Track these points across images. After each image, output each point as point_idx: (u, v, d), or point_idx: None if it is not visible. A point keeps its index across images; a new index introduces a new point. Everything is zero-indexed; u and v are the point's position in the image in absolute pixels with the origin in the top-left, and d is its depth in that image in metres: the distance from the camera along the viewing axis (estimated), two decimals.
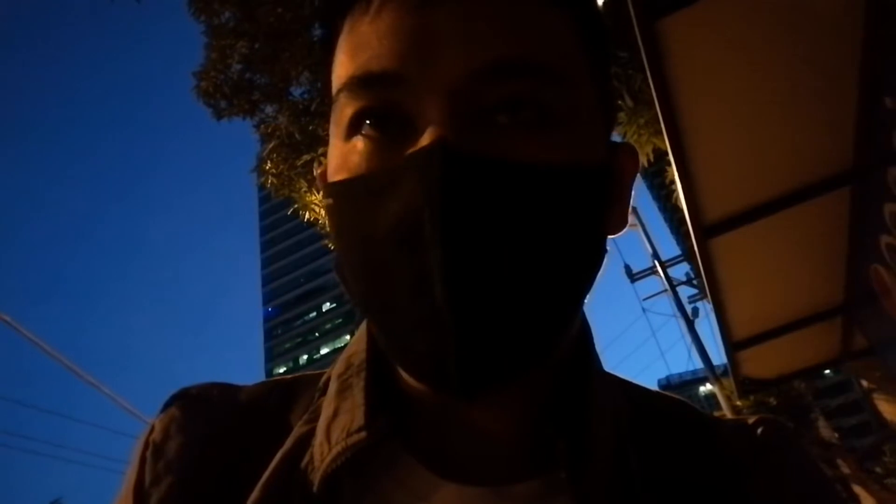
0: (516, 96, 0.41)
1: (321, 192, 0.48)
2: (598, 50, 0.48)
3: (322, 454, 0.45)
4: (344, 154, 0.44)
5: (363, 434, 0.45)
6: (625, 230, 0.51)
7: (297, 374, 0.58)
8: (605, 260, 0.47)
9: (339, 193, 0.45)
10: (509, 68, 0.40)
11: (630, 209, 0.52)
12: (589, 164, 0.44)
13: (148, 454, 0.50)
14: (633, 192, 0.52)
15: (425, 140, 0.39)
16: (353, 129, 0.43)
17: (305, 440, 0.48)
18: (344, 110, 0.44)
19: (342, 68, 0.44)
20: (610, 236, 0.50)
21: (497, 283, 0.39)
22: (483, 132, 0.40)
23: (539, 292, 0.41)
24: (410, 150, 0.40)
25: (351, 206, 0.43)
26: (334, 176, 0.45)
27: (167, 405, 0.53)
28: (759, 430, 0.54)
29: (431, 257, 0.37)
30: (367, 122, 0.43)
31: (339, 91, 0.44)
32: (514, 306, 0.40)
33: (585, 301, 0.47)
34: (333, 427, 0.47)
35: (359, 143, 0.43)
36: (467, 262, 0.38)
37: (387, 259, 0.40)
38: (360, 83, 0.42)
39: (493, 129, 0.41)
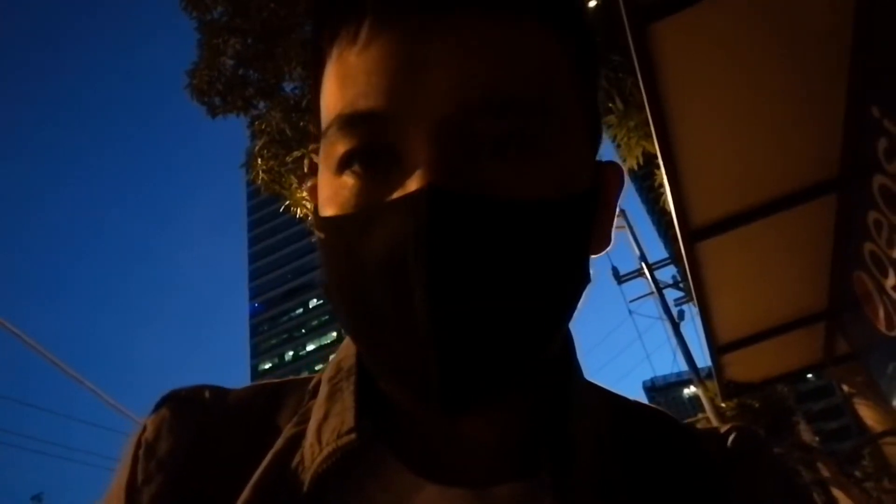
0: (505, 132, 0.41)
1: (314, 223, 0.49)
2: (589, 70, 0.48)
3: (313, 455, 0.47)
4: (335, 189, 0.45)
5: (353, 436, 0.46)
6: (610, 247, 0.52)
7: (285, 379, 0.59)
8: (590, 279, 0.48)
9: (330, 229, 0.45)
10: (499, 105, 0.40)
11: (616, 217, 0.52)
12: (576, 193, 0.44)
13: (140, 453, 0.50)
14: (616, 210, 0.52)
15: (413, 183, 0.39)
16: (343, 165, 0.44)
17: (295, 442, 0.49)
18: (333, 147, 0.44)
19: (331, 99, 0.45)
20: (593, 255, 0.50)
21: (481, 317, 0.40)
22: (470, 167, 0.40)
23: (522, 321, 0.42)
24: (398, 194, 0.40)
25: (340, 241, 0.44)
26: (325, 208, 0.46)
27: (159, 406, 0.54)
28: (732, 438, 0.55)
29: (417, 296, 0.38)
30: (357, 160, 0.43)
31: (329, 126, 0.44)
32: (497, 338, 0.41)
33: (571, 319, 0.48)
34: (324, 429, 0.48)
35: (348, 179, 0.43)
36: (451, 299, 0.38)
37: (374, 295, 0.41)
38: (348, 121, 0.42)
39: (480, 162, 0.41)
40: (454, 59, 0.40)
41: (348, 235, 0.43)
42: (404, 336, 0.40)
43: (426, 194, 0.38)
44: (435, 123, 0.40)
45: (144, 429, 0.52)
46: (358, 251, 0.42)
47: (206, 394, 0.55)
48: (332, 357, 0.56)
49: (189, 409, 0.54)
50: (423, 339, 0.39)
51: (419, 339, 0.39)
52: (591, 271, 0.48)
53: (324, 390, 0.52)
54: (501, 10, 0.42)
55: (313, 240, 0.49)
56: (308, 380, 0.56)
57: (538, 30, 0.44)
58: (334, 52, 0.45)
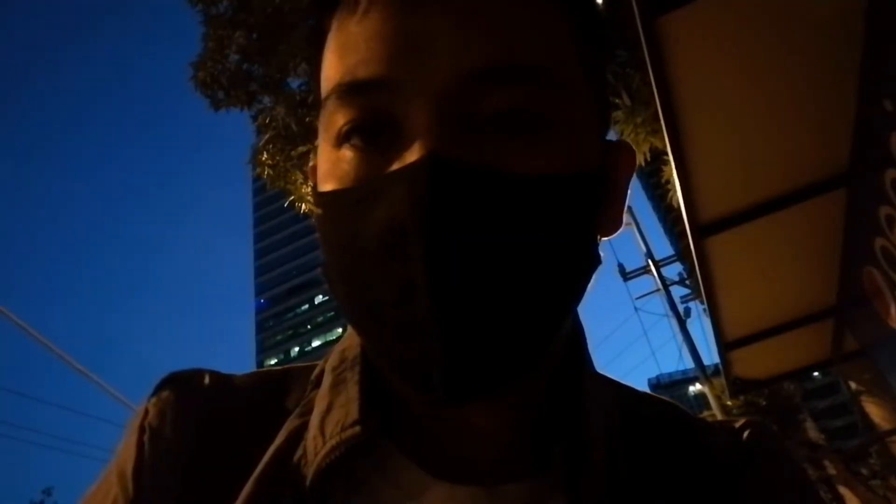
0: (508, 103, 0.40)
1: (313, 199, 0.47)
2: (595, 46, 0.47)
3: (316, 448, 0.45)
4: (333, 162, 0.44)
5: (357, 428, 0.44)
6: (619, 231, 0.50)
7: (287, 366, 0.57)
8: (599, 260, 0.46)
9: (328, 204, 0.44)
10: (502, 75, 0.39)
11: (625, 209, 0.51)
12: (582, 171, 0.43)
13: (146, 438, 0.49)
14: (629, 192, 0.51)
15: (413, 153, 0.38)
16: (342, 138, 0.43)
17: (298, 434, 0.48)
18: (332, 117, 0.43)
19: (331, 69, 0.44)
20: (604, 238, 0.49)
21: (483, 293, 0.38)
22: (473, 140, 0.39)
23: (527, 302, 0.40)
24: (398, 165, 0.39)
25: (339, 216, 0.43)
26: (323, 183, 0.45)
27: (159, 388, 0.52)
28: (746, 433, 0.54)
29: (417, 269, 0.37)
30: (356, 133, 0.42)
31: (328, 96, 0.43)
32: (501, 316, 0.39)
33: (579, 304, 0.47)
34: (328, 421, 0.46)
35: (347, 152, 0.43)
36: (452, 274, 0.37)
37: (373, 271, 0.40)
38: (348, 90, 0.41)
39: (483, 136, 0.40)
40: (457, 28, 0.39)
41: (347, 209, 0.42)
42: (404, 315, 0.39)
43: (426, 163, 0.37)
44: (437, 92, 0.39)
45: (147, 413, 0.50)
46: (357, 225, 0.41)
47: (207, 378, 0.53)
48: (335, 347, 0.54)
49: (191, 391, 0.52)
50: (424, 316, 0.37)
51: (419, 316, 0.38)
52: (597, 270, 0.47)
53: (327, 380, 0.50)
54: None
55: (318, 235, 0.47)
56: (311, 368, 0.55)
57: (543, 3, 0.43)
58: (334, 24, 0.45)
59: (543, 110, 0.41)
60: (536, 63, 0.41)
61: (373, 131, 0.41)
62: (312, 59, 0.49)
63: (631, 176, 0.51)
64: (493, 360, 0.40)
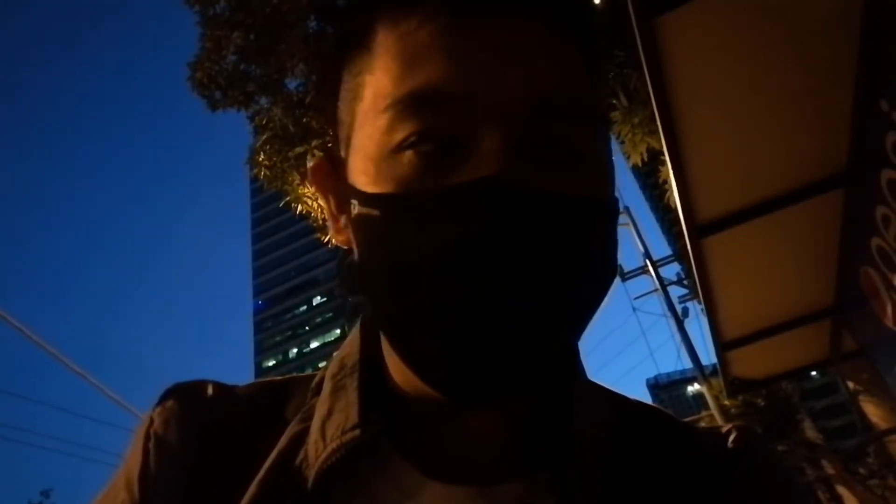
0: (563, 132, 0.43)
1: (353, 200, 0.47)
2: (599, 74, 0.50)
3: (317, 451, 0.47)
4: (391, 165, 0.43)
5: (357, 432, 0.46)
6: None
7: (288, 376, 0.59)
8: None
9: (388, 205, 0.43)
10: (564, 106, 0.43)
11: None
12: (610, 194, 0.47)
13: (151, 446, 0.51)
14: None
15: (485, 168, 0.40)
16: (405, 143, 0.42)
17: (299, 439, 0.49)
18: (398, 123, 0.42)
19: (389, 77, 0.44)
20: None
21: (539, 305, 0.40)
22: (532, 163, 0.41)
23: (570, 315, 0.44)
24: (469, 177, 0.40)
25: (400, 220, 0.42)
26: (371, 186, 0.44)
27: (164, 398, 0.54)
28: (732, 438, 0.55)
29: (480, 283, 0.39)
30: (424, 139, 0.42)
31: (393, 104, 0.43)
32: (549, 327, 0.42)
33: None
34: (328, 425, 0.48)
35: (412, 157, 0.42)
36: (512, 289, 0.39)
37: (432, 277, 0.40)
38: (421, 100, 0.42)
39: (539, 161, 0.42)
40: (532, 57, 0.42)
41: (411, 214, 0.42)
42: (460, 320, 0.40)
43: (499, 183, 0.39)
44: (509, 114, 0.41)
45: (152, 421, 0.52)
46: (417, 231, 0.41)
47: (211, 388, 0.55)
48: (335, 354, 0.56)
49: (195, 401, 0.54)
50: (483, 325, 0.40)
51: (480, 323, 0.40)
52: None
53: (327, 387, 0.52)
54: (551, 18, 0.44)
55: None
56: (311, 377, 0.57)
57: (572, 38, 0.45)
58: (386, 27, 0.45)
59: (584, 138, 0.44)
60: (580, 94, 0.44)
61: (442, 142, 0.42)
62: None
63: None
64: (533, 366, 0.42)
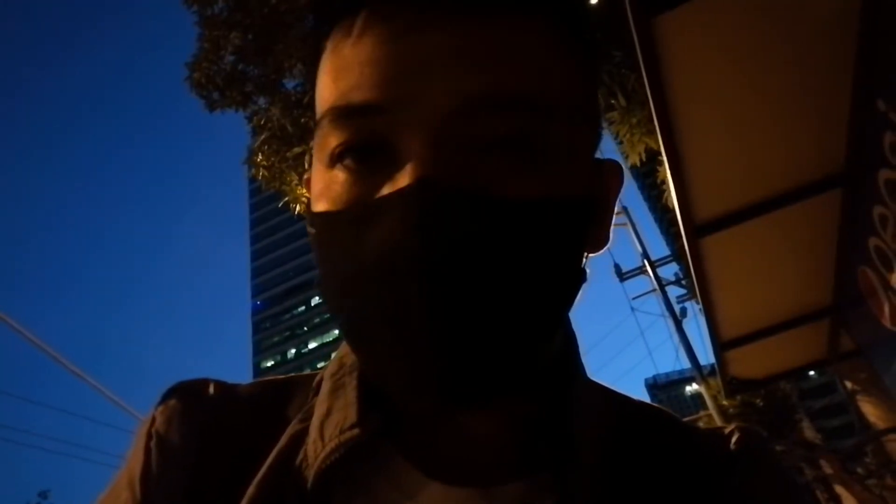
0: (502, 131, 0.40)
1: (307, 219, 0.48)
2: (590, 67, 0.48)
3: (316, 451, 0.46)
4: (326, 183, 0.44)
5: (356, 431, 0.46)
6: (606, 248, 0.52)
7: (290, 375, 0.59)
8: (586, 277, 0.48)
9: (321, 224, 0.45)
10: (495, 102, 0.40)
11: (618, 214, 0.52)
12: (573, 195, 0.44)
13: (153, 445, 0.51)
14: (615, 208, 0.53)
15: (406, 177, 0.39)
16: (335, 159, 0.43)
17: (299, 438, 0.49)
18: (327, 139, 0.44)
19: (325, 91, 0.45)
20: (592, 255, 0.50)
21: (473, 313, 0.39)
22: (466, 165, 0.40)
23: (517, 321, 0.41)
24: (391, 189, 0.40)
25: (332, 237, 0.44)
26: (316, 202, 0.46)
27: (166, 397, 0.54)
28: (734, 439, 0.55)
29: (410, 291, 0.38)
30: (349, 154, 0.43)
31: (322, 118, 0.44)
32: (488, 333, 0.40)
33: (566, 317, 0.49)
34: (327, 425, 0.48)
35: (340, 174, 0.43)
36: (442, 295, 0.38)
37: (367, 292, 0.41)
38: (342, 113, 0.42)
39: (476, 162, 0.40)
40: (453, 55, 0.40)
41: (339, 232, 0.43)
42: (398, 332, 0.40)
43: (417, 189, 0.38)
44: (431, 118, 0.40)
45: (154, 420, 0.52)
46: (349, 248, 0.42)
47: (212, 387, 0.55)
48: (334, 354, 0.56)
49: (197, 400, 0.54)
50: (417, 334, 0.39)
51: (413, 333, 0.39)
52: (593, 269, 0.49)
53: (326, 386, 0.52)
54: (504, 9, 0.42)
55: (313, 252, 0.48)
56: (312, 377, 0.57)
57: (541, 29, 0.43)
58: (329, 45, 0.45)
59: (537, 137, 0.41)
60: (530, 91, 0.41)
61: (366, 154, 0.42)
62: (308, 62, 0.50)
63: (618, 193, 0.53)
64: (481, 373, 0.41)
